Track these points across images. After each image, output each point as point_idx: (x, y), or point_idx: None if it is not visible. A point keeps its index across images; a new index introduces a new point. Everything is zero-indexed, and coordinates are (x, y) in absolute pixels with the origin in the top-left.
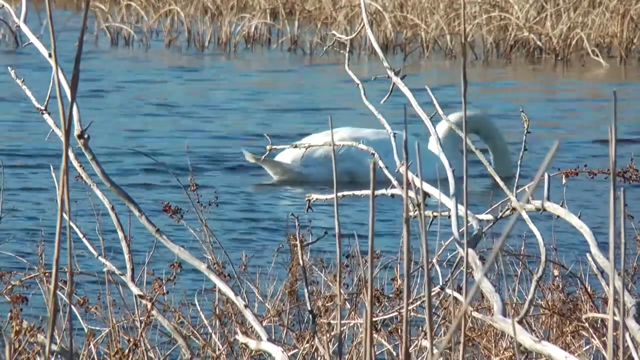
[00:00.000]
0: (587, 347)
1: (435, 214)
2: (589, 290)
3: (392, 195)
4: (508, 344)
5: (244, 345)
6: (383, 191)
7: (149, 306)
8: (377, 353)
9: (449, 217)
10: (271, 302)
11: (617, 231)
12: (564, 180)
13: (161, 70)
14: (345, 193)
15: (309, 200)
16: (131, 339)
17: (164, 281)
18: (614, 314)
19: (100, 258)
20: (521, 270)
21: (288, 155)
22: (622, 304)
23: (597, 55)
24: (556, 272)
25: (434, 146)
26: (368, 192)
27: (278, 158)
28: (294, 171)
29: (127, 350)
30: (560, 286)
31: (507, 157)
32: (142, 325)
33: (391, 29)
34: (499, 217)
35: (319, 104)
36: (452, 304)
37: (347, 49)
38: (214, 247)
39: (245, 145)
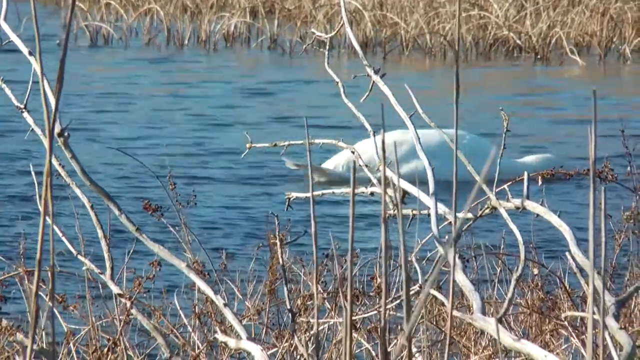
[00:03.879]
0: (567, 345)
1: (414, 212)
2: (568, 289)
3: (372, 194)
4: (487, 342)
5: (223, 344)
6: (362, 189)
7: (128, 305)
8: (356, 352)
9: (429, 215)
10: (251, 301)
11: (597, 230)
12: (539, 182)
13: (140, 67)
14: (325, 191)
15: (289, 198)
16: (111, 338)
17: (143, 280)
18: (594, 313)
19: (80, 257)
20: (501, 269)
21: (332, 161)
22: (602, 302)
23: (576, 54)
24: (536, 271)
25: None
26: (348, 190)
27: (324, 165)
28: (340, 177)
29: (106, 349)
30: (540, 285)
31: None
32: (122, 324)
33: (371, 27)
34: (478, 215)
35: (299, 106)
36: (432, 303)
37: (327, 48)
38: (193, 245)
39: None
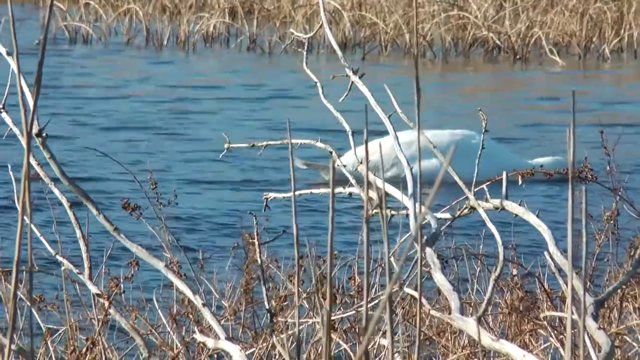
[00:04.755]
0: (546, 345)
1: (393, 212)
2: (547, 288)
3: (350, 194)
4: (466, 342)
5: (202, 344)
6: (341, 190)
7: (106, 305)
8: (335, 352)
9: (407, 215)
10: (229, 301)
11: (576, 230)
12: (520, 181)
13: (121, 67)
14: (303, 192)
15: (267, 198)
16: (89, 338)
17: (121, 280)
18: (572, 313)
19: (58, 257)
20: (480, 269)
21: (343, 160)
22: (583, 303)
23: (555, 54)
24: (515, 271)
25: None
26: (327, 190)
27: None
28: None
29: (84, 349)
30: (519, 285)
31: None
32: (100, 324)
33: (350, 27)
34: (456, 215)
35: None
36: (410, 303)
37: (306, 48)
38: (172, 245)
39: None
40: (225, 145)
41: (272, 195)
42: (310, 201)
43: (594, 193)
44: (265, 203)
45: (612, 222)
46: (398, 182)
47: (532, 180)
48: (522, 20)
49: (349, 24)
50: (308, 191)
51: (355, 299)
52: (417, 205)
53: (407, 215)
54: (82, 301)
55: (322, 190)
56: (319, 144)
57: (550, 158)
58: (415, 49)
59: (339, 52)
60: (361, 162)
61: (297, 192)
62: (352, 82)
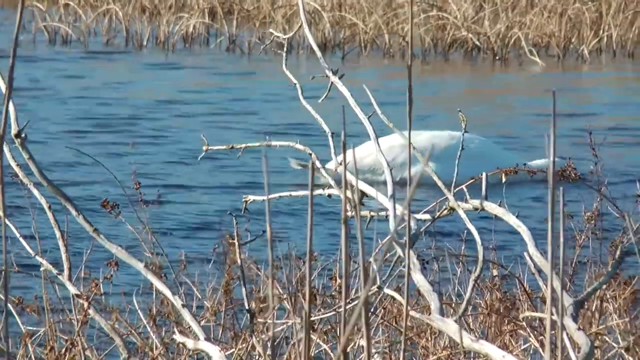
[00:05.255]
0: (526, 346)
1: (372, 213)
2: (527, 289)
3: (329, 196)
4: (446, 343)
5: (181, 345)
6: (320, 191)
7: (85, 305)
8: (314, 352)
9: (387, 217)
10: (210, 302)
11: (557, 231)
12: (504, 179)
13: (100, 68)
14: (282, 194)
15: (246, 201)
16: (68, 339)
17: (101, 280)
18: (552, 313)
19: (37, 257)
20: (460, 269)
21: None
22: (561, 303)
23: (534, 55)
24: (495, 272)
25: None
26: (306, 192)
27: (327, 165)
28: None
29: (63, 350)
30: (499, 285)
31: None
32: (79, 324)
33: (329, 28)
34: (436, 217)
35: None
36: (390, 303)
37: (285, 49)
38: (154, 245)
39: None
40: (204, 148)
41: (251, 197)
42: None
43: (589, 194)
44: (244, 206)
45: (592, 222)
46: (396, 182)
47: (528, 181)
48: (501, 20)
49: (328, 24)
50: (287, 193)
51: (338, 300)
52: (400, 205)
53: (386, 216)
54: (61, 302)
55: (301, 193)
56: (298, 146)
57: (544, 160)
58: (410, 60)
59: (319, 53)
60: (340, 164)
61: (276, 195)
62: (332, 82)
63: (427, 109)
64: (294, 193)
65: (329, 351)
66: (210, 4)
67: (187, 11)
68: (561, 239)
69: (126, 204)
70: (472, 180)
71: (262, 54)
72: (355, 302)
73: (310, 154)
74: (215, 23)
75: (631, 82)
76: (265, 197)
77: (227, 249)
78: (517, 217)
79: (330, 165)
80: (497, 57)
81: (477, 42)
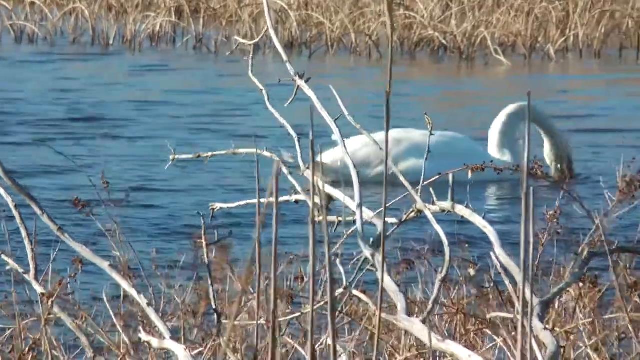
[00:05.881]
0: (491, 345)
1: (339, 218)
2: (494, 289)
3: (297, 202)
4: (413, 342)
5: (147, 344)
6: (286, 198)
7: (49, 304)
8: (282, 352)
9: (354, 221)
10: (179, 301)
11: (527, 231)
12: (470, 175)
13: (67, 66)
14: (250, 201)
15: (213, 209)
16: (33, 338)
17: (67, 279)
18: (518, 314)
19: (3, 256)
20: (426, 269)
21: (328, 156)
22: (530, 304)
23: (500, 54)
24: (462, 272)
25: (493, 150)
26: (272, 199)
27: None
28: (338, 172)
29: (27, 349)
30: (465, 285)
31: (560, 138)
32: (43, 323)
33: (296, 27)
34: (403, 219)
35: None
36: (357, 304)
37: (251, 56)
38: (124, 244)
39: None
40: (171, 157)
41: (217, 205)
42: (293, 210)
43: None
44: (212, 214)
45: (555, 220)
46: (381, 181)
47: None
48: (468, 19)
49: (295, 23)
50: (255, 201)
51: (305, 300)
52: (365, 210)
53: (354, 221)
54: (30, 300)
55: (269, 200)
56: (265, 153)
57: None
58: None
59: (285, 57)
60: (307, 167)
61: (244, 202)
62: (298, 86)
63: (396, 108)
64: (262, 201)
65: (301, 350)
66: (177, 2)
67: (153, 10)
68: (530, 239)
69: (96, 204)
70: (437, 177)
71: (230, 54)
72: (322, 302)
73: (277, 160)
74: (182, 22)
75: (599, 82)
76: (232, 205)
77: (197, 249)
78: (484, 217)
79: (325, 158)
80: (463, 57)
81: (443, 42)
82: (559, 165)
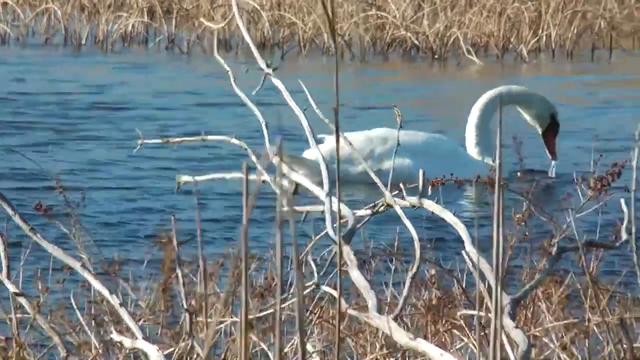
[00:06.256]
0: (462, 344)
1: (308, 209)
2: (464, 287)
3: (264, 182)
4: (384, 342)
5: (119, 344)
6: (253, 177)
7: (24, 303)
8: (253, 351)
9: (323, 212)
10: (147, 301)
11: (499, 229)
12: (429, 191)
13: (39, 66)
14: (215, 176)
15: (179, 183)
16: (4, 338)
17: (43, 282)
18: (489, 312)
19: None
20: (395, 266)
21: (313, 152)
22: (499, 303)
23: (472, 55)
24: (432, 270)
25: (472, 149)
26: (239, 174)
27: (304, 154)
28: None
29: None
30: (436, 283)
31: (538, 101)
32: (15, 323)
33: (269, 27)
34: (373, 212)
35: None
36: (328, 302)
37: (216, 40)
38: (89, 245)
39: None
40: (139, 142)
41: (184, 178)
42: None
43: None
44: (177, 186)
45: (523, 223)
46: (367, 177)
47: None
48: (440, 20)
49: (267, 23)
50: (220, 175)
51: (274, 298)
52: (334, 201)
53: (322, 212)
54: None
55: (235, 175)
56: (234, 141)
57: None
58: (335, 52)
59: (255, 52)
60: (275, 154)
61: (211, 176)
62: (266, 75)
63: (367, 108)
64: (227, 176)
65: (267, 349)
66: (149, 3)
67: (126, 10)
68: (500, 238)
69: (55, 204)
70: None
71: (201, 52)
72: (292, 300)
73: (246, 149)
74: (154, 22)
75: (571, 83)
76: (198, 178)
77: (163, 248)
78: (454, 214)
79: (308, 155)
80: (435, 57)
81: (415, 42)
82: (544, 122)
